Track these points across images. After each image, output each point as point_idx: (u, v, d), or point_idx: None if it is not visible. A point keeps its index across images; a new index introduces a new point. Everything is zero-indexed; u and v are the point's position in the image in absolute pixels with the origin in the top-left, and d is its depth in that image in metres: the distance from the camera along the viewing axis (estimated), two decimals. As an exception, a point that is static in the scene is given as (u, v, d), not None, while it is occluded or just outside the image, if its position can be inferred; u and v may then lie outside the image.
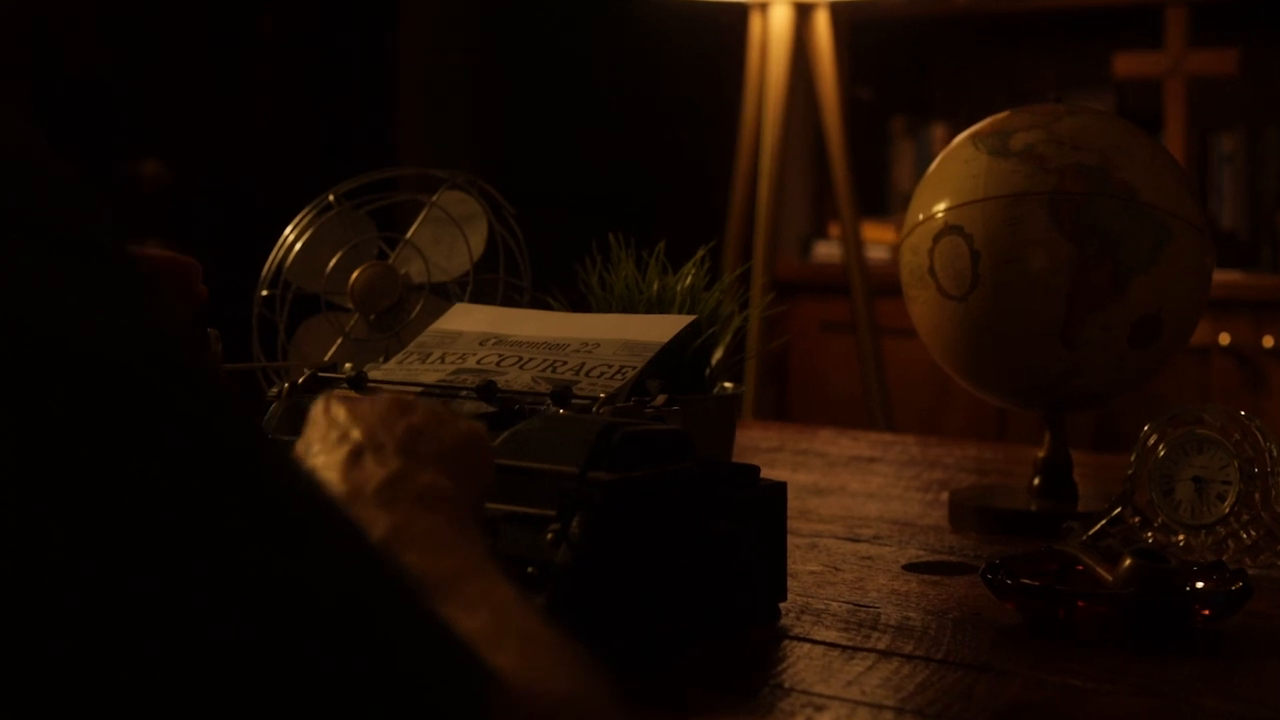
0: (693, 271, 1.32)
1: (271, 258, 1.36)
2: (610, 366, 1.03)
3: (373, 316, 1.32)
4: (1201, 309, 1.33)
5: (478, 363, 1.07)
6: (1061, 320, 1.27)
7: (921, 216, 1.34)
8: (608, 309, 1.30)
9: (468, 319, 1.14)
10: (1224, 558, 1.16)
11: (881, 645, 0.97)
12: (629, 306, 1.30)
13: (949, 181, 1.33)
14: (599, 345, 1.06)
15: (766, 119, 2.78)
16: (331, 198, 1.36)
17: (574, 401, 0.98)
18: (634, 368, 1.02)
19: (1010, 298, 1.28)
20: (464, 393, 1.03)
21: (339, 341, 1.32)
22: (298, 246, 1.35)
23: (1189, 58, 3.20)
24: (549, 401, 0.98)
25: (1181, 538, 1.21)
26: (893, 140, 3.91)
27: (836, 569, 1.17)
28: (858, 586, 1.12)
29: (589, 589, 0.87)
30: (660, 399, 0.97)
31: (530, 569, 0.86)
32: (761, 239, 2.79)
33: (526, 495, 0.90)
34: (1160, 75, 3.27)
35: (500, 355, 1.08)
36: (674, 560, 0.93)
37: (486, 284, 1.33)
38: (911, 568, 1.19)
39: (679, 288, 1.30)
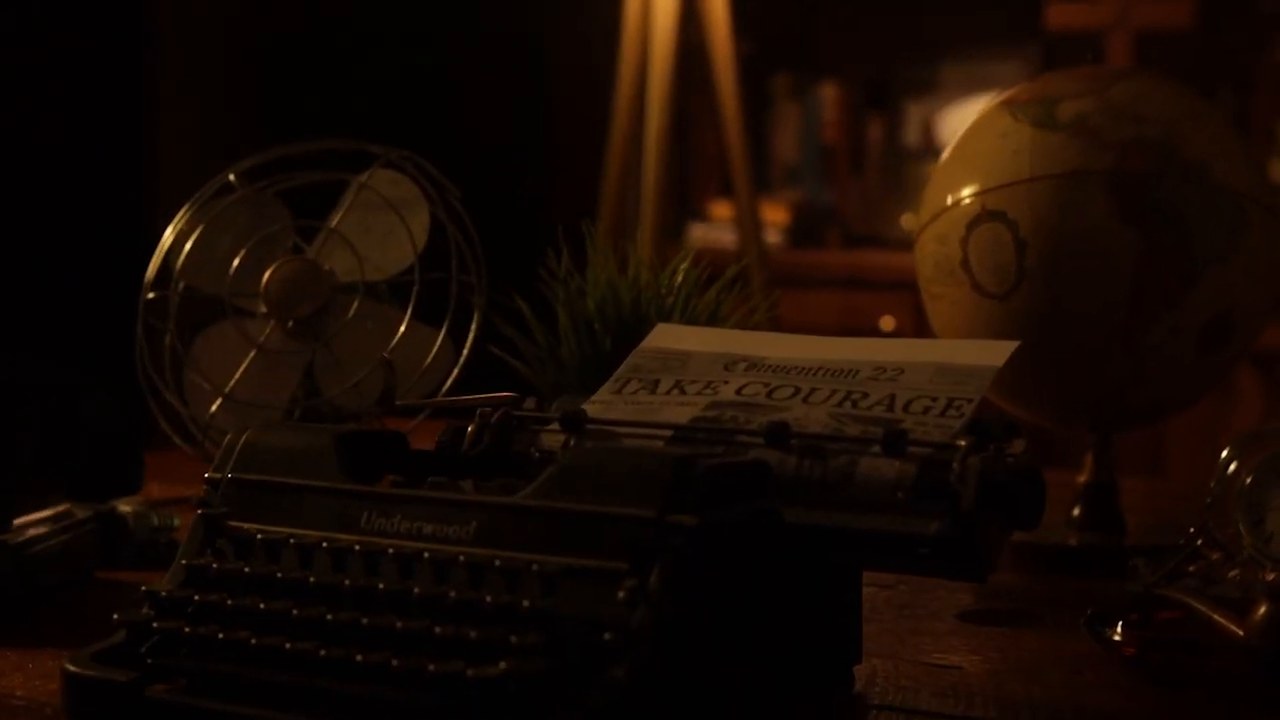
0: (682, 266, 1.31)
1: (158, 253, 1.33)
2: (934, 400, 0.98)
3: (290, 323, 1.29)
4: (1272, 308, 1.36)
5: (738, 394, 1.03)
6: (1124, 321, 1.29)
7: (950, 200, 1.35)
8: (584, 312, 1.29)
9: (682, 338, 1.10)
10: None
11: (994, 714, 0.97)
12: (615, 309, 1.29)
13: (982, 158, 1.34)
14: (902, 372, 1.02)
15: (652, 76, 2.78)
16: (232, 177, 1.33)
17: (912, 449, 0.94)
18: (968, 400, 0.98)
19: (1063, 295, 1.29)
20: (741, 436, 0.98)
21: (251, 355, 1.29)
22: (191, 239, 1.32)
23: (1136, 8, 3.27)
24: (878, 448, 0.94)
25: (1271, 575, 1.24)
26: (775, 103, 3.94)
27: (880, 621, 1.17)
28: (917, 643, 1.12)
29: (677, 656, 0.86)
30: (1018, 444, 0.95)
31: (607, 635, 0.85)
32: (649, 220, 2.79)
33: (585, 544, 0.88)
34: (1102, 28, 3.34)
35: (766, 384, 1.03)
36: (760, 617, 0.92)
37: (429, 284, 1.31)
38: (967, 617, 1.20)
39: (671, 286, 1.30)
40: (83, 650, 0.94)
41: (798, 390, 1.03)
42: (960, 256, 1.32)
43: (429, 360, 1.26)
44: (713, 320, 1.29)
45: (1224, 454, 1.26)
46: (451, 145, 1.33)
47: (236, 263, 1.30)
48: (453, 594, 0.88)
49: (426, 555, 0.90)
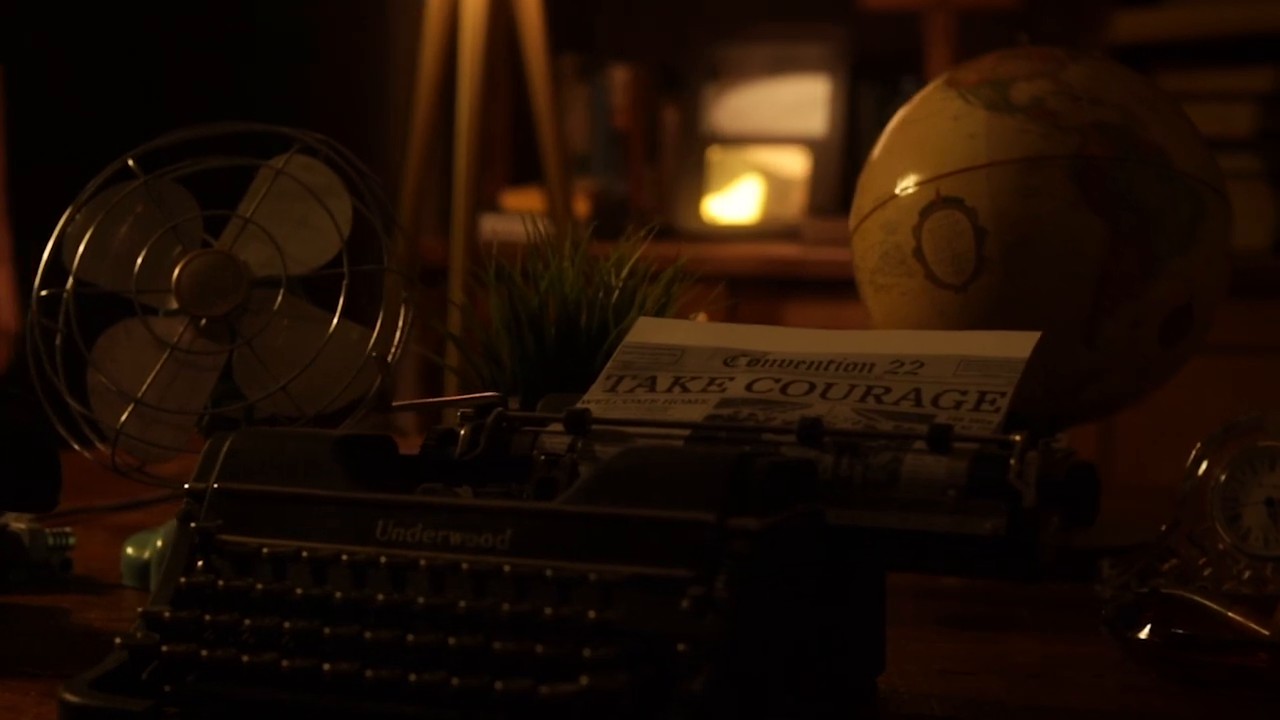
0: (630, 258, 1.33)
1: (51, 245, 1.30)
2: (964, 394, 1.00)
3: (204, 322, 1.28)
4: (1224, 300, 1.42)
5: (749, 390, 1.04)
6: (1087, 313, 1.34)
7: (900, 187, 1.38)
8: (545, 310, 1.30)
9: (669, 332, 1.11)
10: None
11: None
12: (560, 304, 1.30)
13: (932, 142, 1.37)
14: (921, 365, 1.03)
15: (463, 56, 2.78)
16: (131, 163, 1.31)
17: (959, 445, 0.95)
18: (1001, 393, 0.99)
19: (1024, 285, 1.33)
20: (767, 435, 0.99)
21: (165, 356, 1.27)
22: (90, 230, 1.30)
23: (959, -13, 3.35)
24: (921, 444, 0.96)
25: (1248, 573, 1.29)
26: (561, 87, 3.95)
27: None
28: (919, 651, 1.14)
29: (746, 665, 0.88)
30: (1063, 438, 0.98)
31: (680, 646, 0.86)
32: (462, 212, 2.79)
33: (638, 551, 0.89)
34: (920, 8, 3.42)
35: (778, 380, 1.04)
36: (809, 624, 0.94)
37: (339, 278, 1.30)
38: (956, 623, 1.23)
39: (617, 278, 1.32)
40: (77, 678, 0.92)
41: (813, 386, 1.05)
42: (913, 245, 1.36)
43: (363, 360, 1.25)
44: (661, 314, 1.30)
45: (1194, 451, 1.31)
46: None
47: (143, 256, 1.28)
48: (506, 607, 0.88)
49: (465, 566, 0.90)
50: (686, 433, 1.02)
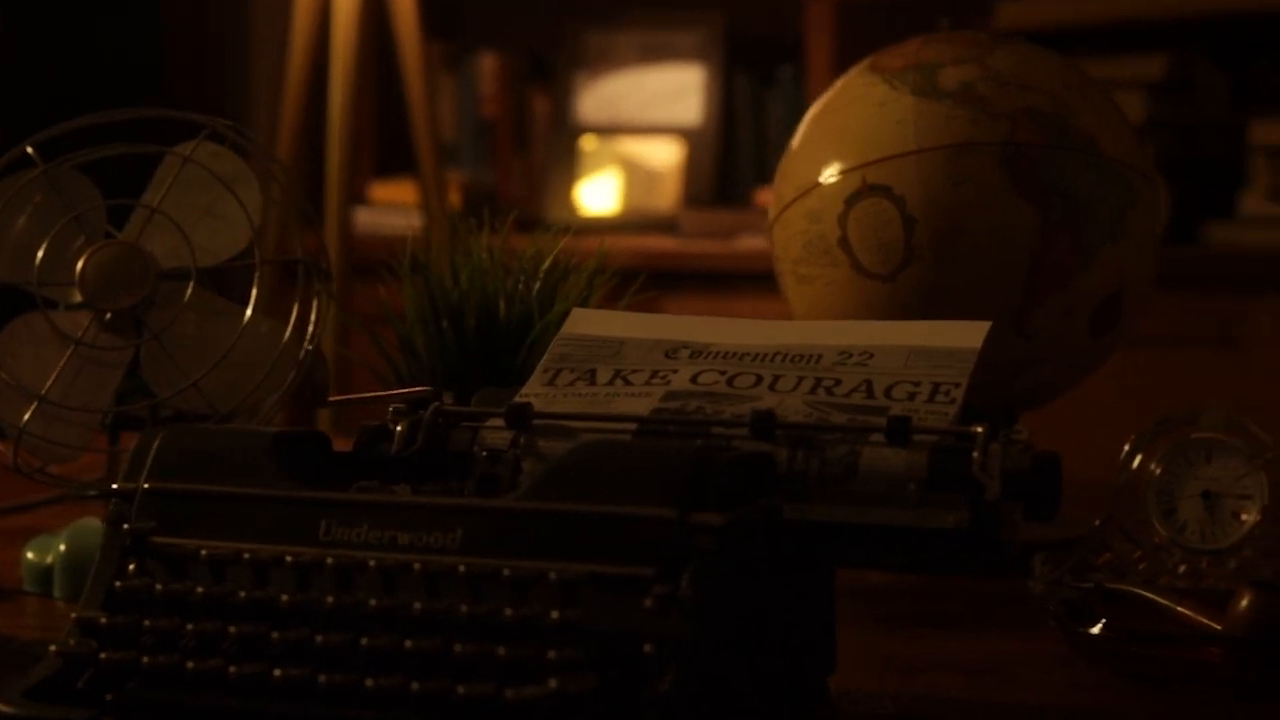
0: (551, 251, 1.33)
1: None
2: (917, 385, 1.00)
3: (109, 315, 1.26)
4: (1153, 289, 1.44)
5: (694, 383, 1.03)
6: (1018, 302, 1.35)
7: (825, 175, 1.38)
8: (466, 302, 1.29)
9: (605, 324, 1.10)
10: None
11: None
12: (481, 297, 1.30)
13: (857, 129, 1.38)
14: (871, 356, 1.03)
15: (336, 42, 2.76)
16: (30, 150, 1.29)
17: (917, 438, 0.95)
18: (955, 384, 1.00)
19: (955, 275, 1.33)
20: (716, 428, 0.98)
21: (69, 352, 1.25)
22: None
23: (838, -25, 3.36)
24: (879, 437, 0.95)
25: (1183, 567, 1.31)
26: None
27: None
28: (866, 649, 1.14)
29: (712, 664, 0.87)
30: (1022, 429, 0.97)
31: (647, 647, 0.85)
32: (335, 202, 2.77)
33: (597, 549, 0.89)
34: (800, -4, 3.43)
35: (723, 372, 1.04)
36: (766, 623, 0.94)
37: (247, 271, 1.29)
38: (888, 622, 1.23)
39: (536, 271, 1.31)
40: (8, 688, 0.90)
41: (760, 378, 1.04)
42: (838, 235, 1.36)
43: (278, 354, 1.24)
44: (584, 306, 1.30)
45: (1128, 445, 1.32)
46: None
47: (44, 248, 1.25)
48: (465, 608, 0.87)
49: (418, 566, 0.89)
50: (634, 426, 1.01)
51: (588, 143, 3.79)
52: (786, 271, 1.41)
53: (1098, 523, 1.31)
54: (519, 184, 3.86)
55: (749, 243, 3.39)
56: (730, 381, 1.04)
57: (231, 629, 0.89)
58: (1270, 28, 3.27)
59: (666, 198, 3.72)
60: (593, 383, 1.06)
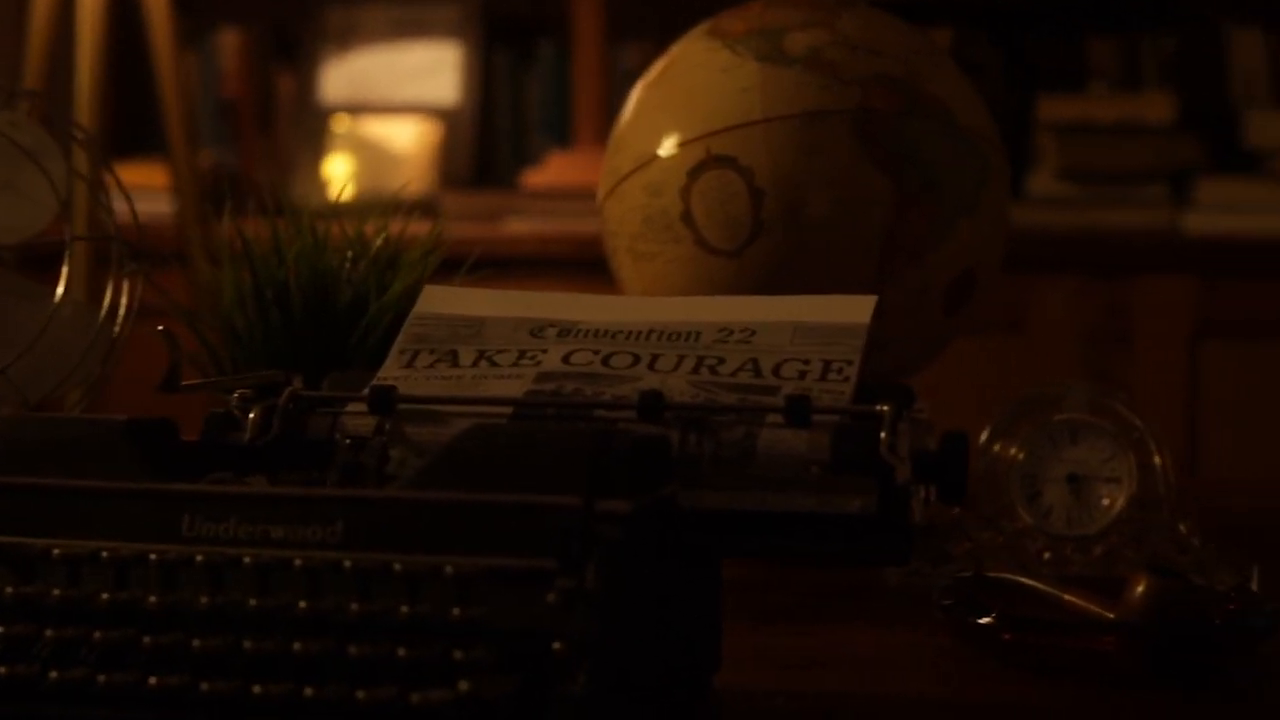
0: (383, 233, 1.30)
1: None
2: (807, 363, 0.99)
3: (-99, 299, 1.20)
4: (1003, 265, 1.43)
5: (565, 362, 1.00)
6: (873, 278, 1.33)
7: (665, 146, 1.35)
8: (270, 280, 1.26)
9: (463, 302, 1.07)
10: (1121, 573, 1.26)
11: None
12: (311, 278, 1.26)
13: (699, 97, 1.35)
14: (753, 333, 1.02)
15: (81, 18, 2.69)
16: None
17: (817, 418, 0.94)
18: (848, 361, 0.99)
19: (805, 250, 1.32)
20: (600, 411, 0.96)
21: None
22: None
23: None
24: (776, 418, 0.94)
25: (1048, 554, 1.31)
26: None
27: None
28: (744, 647, 1.13)
29: (621, 660, 0.85)
30: (921, 408, 0.96)
31: (556, 645, 0.83)
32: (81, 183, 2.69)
33: (492, 540, 0.86)
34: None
35: (596, 351, 1.01)
36: (663, 617, 0.92)
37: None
38: (763, 617, 1.21)
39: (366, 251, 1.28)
40: None
41: (638, 358, 1.02)
42: (680, 209, 1.34)
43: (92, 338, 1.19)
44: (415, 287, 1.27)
45: (986, 430, 1.32)
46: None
47: None
48: (356, 606, 0.84)
49: (298, 563, 0.86)
50: (509, 410, 0.99)
51: (339, 123, 3.73)
52: (622, 249, 1.38)
53: (955, 511, 1.31)
54: (265, 166, 3.79)
55: (516, 226, 3.36)
56: (606, 361, 1.02)
57: (97, 634, 0.84)
58: (1045, 3, 3.32)
59: (423, 179, 3.67)
60: (456, 364, 1.03)
